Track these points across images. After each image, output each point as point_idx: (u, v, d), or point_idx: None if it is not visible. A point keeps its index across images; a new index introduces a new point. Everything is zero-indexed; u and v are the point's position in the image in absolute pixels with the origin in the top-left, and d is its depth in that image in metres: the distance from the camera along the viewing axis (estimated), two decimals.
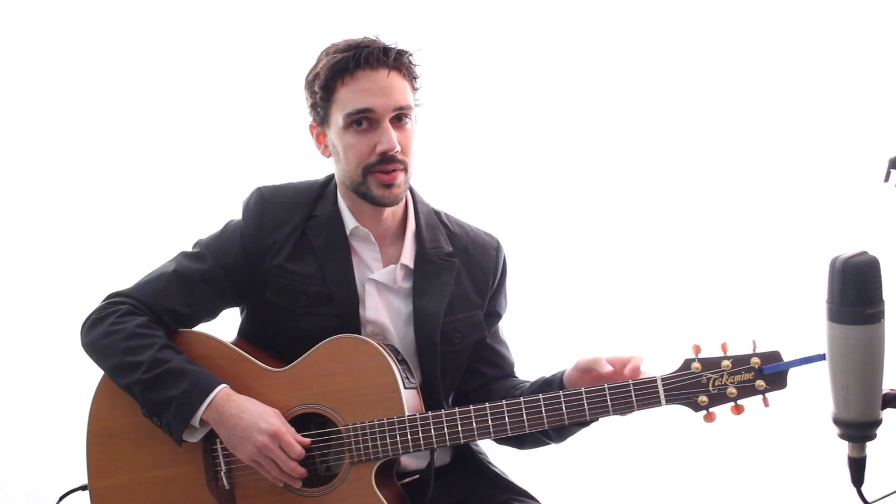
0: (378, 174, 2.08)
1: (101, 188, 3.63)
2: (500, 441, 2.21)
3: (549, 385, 2.17)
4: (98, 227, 3.62)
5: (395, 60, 2.07)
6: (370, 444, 2.05)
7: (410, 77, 2.11)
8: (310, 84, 2.14)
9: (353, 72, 2.06)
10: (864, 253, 1.48)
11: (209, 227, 2.24)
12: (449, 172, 3.24)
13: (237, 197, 2.23)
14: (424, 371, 2.19)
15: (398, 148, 2.07)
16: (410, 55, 2.11)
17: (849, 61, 3.24)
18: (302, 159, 2.37)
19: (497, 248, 2.30)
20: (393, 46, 2.09)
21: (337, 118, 2.09)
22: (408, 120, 2.11)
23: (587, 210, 3.43)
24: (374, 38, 2.10)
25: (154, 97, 3.60)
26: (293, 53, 2.33)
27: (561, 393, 2.01)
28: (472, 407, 2.04)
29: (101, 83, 3.61)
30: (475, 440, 2.05)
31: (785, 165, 3.32)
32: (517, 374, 2.33)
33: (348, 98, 2.07)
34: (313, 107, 2.15)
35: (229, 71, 3.55)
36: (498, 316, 2.32)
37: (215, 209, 2.44)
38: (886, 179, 1.69)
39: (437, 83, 2.23)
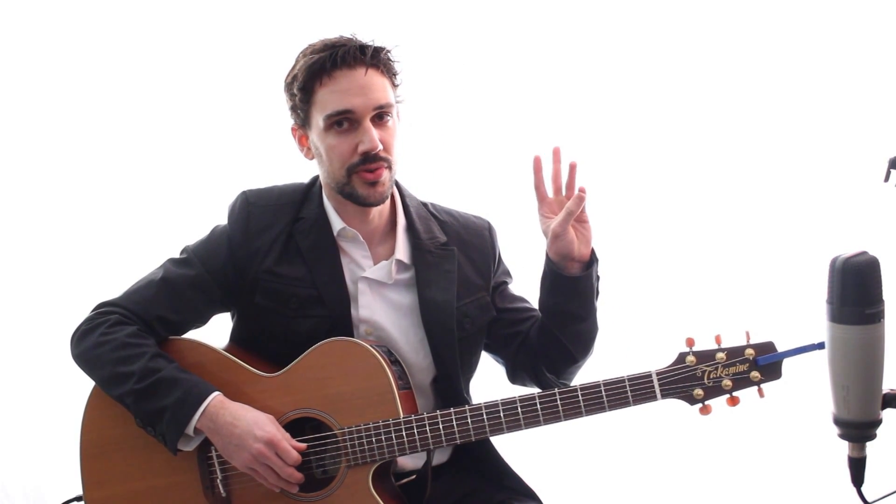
0: (363, 173, 2.06)
1: (90, 197, 3.63)
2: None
3: (545, 280, 2.13)
4: (94, 233, 3.62)
5: (372, 58, 2.06)
6: (366, 446, 2.04)
7: (390, 74, 2.10)
8: (288, 86, 2.12)
9: (330, 72, 2.05)
10: (864, 253, 1.48)
11: (196, 233, 2.23)
12: (433, 165, 3.22)
13: (223, 202, 2.22)
14: (441, 362, 2.17)
15: (380, 147, 2.05)
16: (388, 52, 2.09)
17: (849, 61, 3.23)
18: (287, 163, 2.35)
19: (489, 229, 2.30)
20: (370, 44, 2.07)
21: (317, 120, 2.08)
22: (389, 117, 2.09)
23: None
24: (351, 37, 2.08)
25: (139, 105, 3.60)
26: (276, 56, 2.31)
27: (556, 391, 2.00)
28: (467, 407, 2.04)
29: (88, 92, 3.61)
30: (471, 440, 2.04)
31: (785, 165, 3.31)
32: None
33: (327, 99, 2.06)
34: (293, 109, 2.14)
35: (213, 76, 3.54)
36: (505, 283, 2.30)
37: (202, 215, 2.42)
38: (886, 179, 1.69)
39: (422, 77, 2.21)
